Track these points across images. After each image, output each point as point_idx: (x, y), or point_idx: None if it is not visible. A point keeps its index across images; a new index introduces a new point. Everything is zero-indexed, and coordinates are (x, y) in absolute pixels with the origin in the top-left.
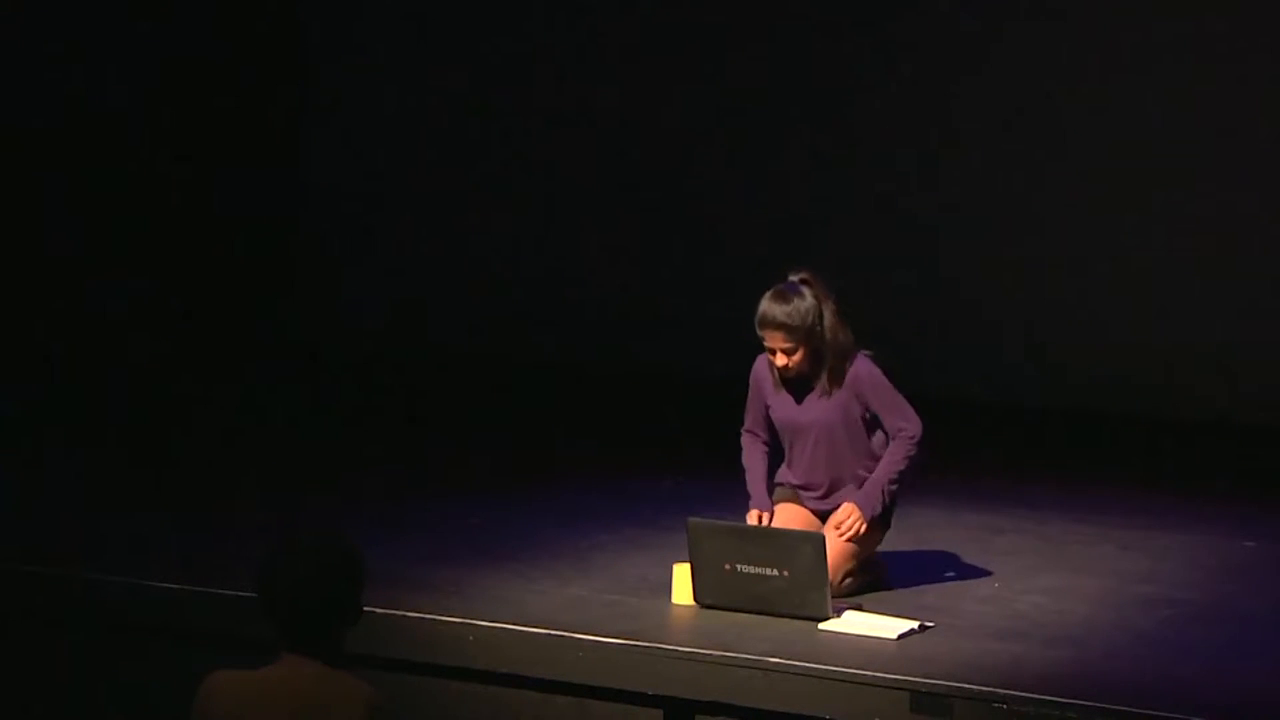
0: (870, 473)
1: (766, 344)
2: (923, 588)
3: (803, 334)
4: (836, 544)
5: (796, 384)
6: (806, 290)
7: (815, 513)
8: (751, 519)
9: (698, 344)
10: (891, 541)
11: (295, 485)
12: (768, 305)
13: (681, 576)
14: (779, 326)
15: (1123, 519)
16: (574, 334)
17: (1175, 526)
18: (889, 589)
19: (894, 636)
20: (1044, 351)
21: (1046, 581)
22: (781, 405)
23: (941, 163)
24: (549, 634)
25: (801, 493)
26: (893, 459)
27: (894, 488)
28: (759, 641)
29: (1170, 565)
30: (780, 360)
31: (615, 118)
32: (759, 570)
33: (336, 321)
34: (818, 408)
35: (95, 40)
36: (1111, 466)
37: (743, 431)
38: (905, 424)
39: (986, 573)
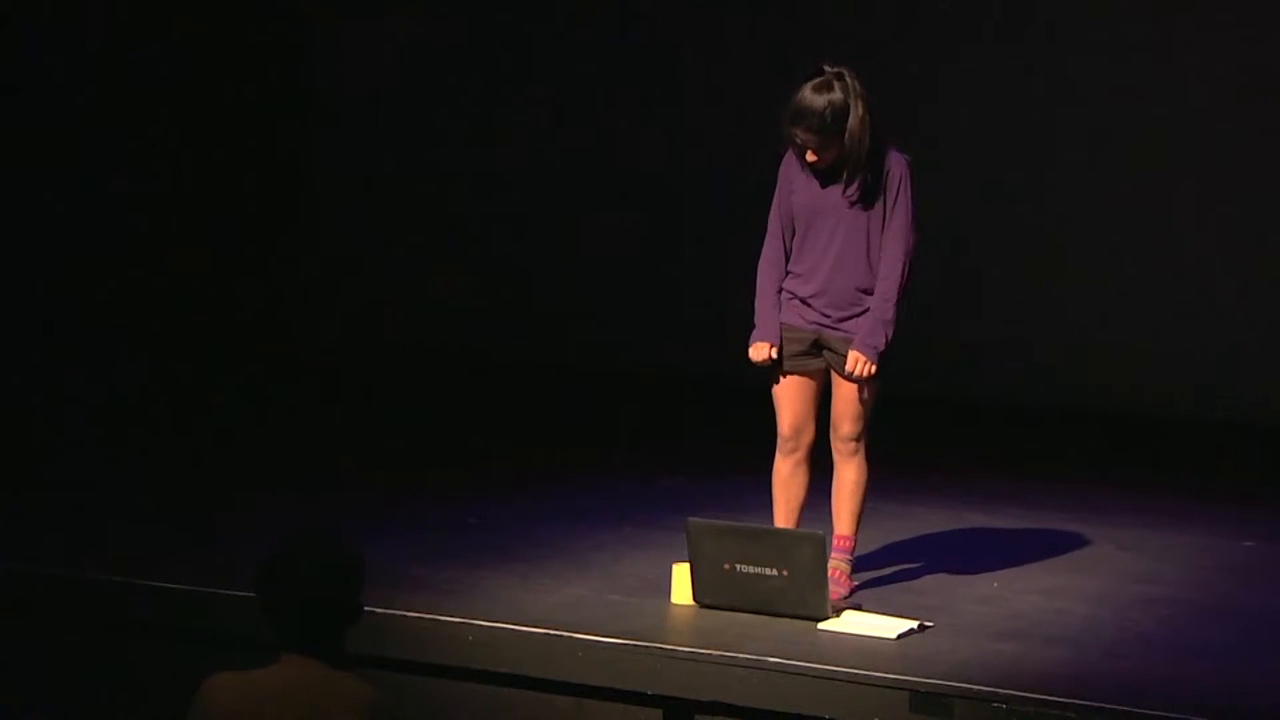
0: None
1: (796, 139)
2: (923, 588)
3: (834, 133)
4: (845, 400)
5: (827, 173)
6: (839, 85)
7: (817, 340)
8: (759, 352)
9: (699, 344)
10: (892, 541)
11: (295, 485)
12: (798, 101)
13: (681, 576)
14: (808, 126)
15: (1123, 519)
16: (574, 334)
17: (1175, 526)
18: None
19: (894, 636)
20: (1043, 352)
21: (1046, 581)
22: (808, 188)
23: (940, 161)
24: (549, 634)
25: (809, 302)
26: (885, 287)
27: (891, 319)
28: (759, 641)
29: (1170, 565)
30: (810, 157)
31: (614, 117)
32: (759, 570)
33: (336, 321)
34: (843, 195)
35: (96, 35)
36: (1111, 466)
37: (761, 257)
38: (899, 237)
39: (986, 573)
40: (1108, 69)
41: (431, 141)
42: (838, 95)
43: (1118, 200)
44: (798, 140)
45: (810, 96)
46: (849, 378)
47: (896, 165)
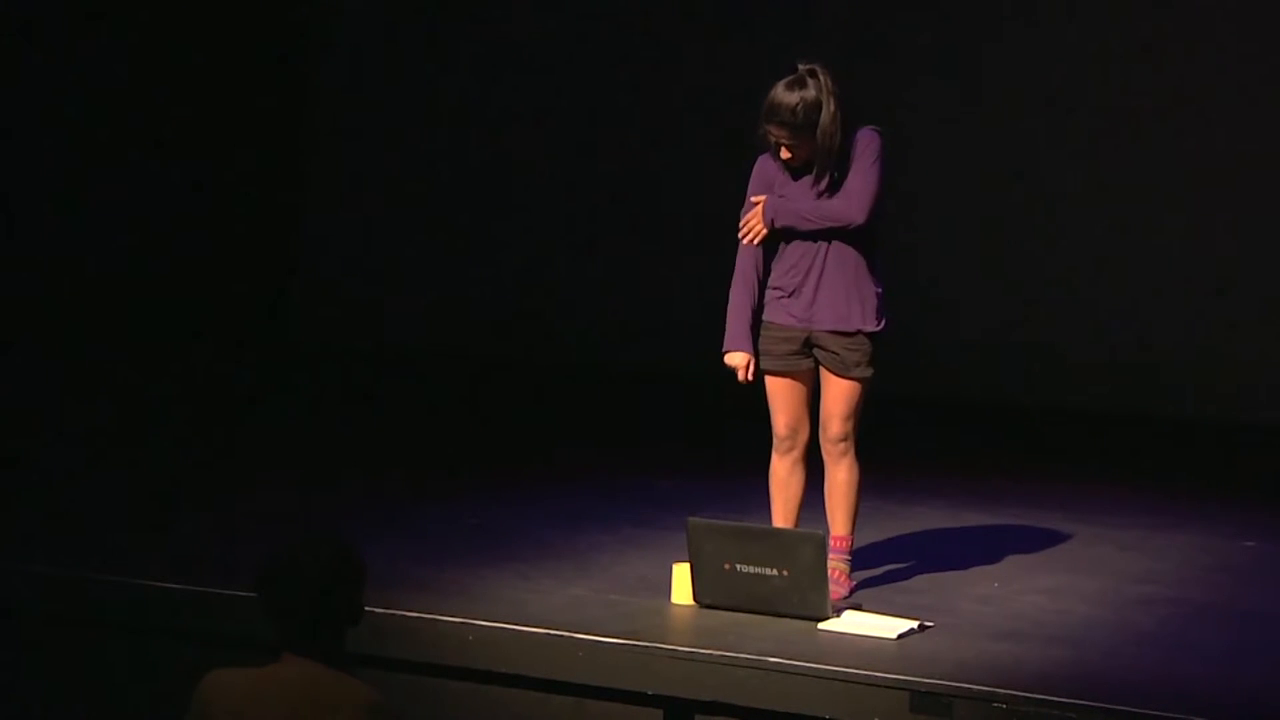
0: (869, 287)
1: (770, 136)
2: (923, 588)
3: (806, 129)
4: (833, 399)
5: (803, 170)
6: (812, 82)
7: (807, 339)
8: (737, 363)
9: (697, 344)
10: (891, 541)
11: (295, 485)
12: (772, 99)
13: (681, 576)
14: (781, 123)
15: (1122, 519)
16: (573, 334)
17: (1175, 526)
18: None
19: (894, 636)
20: (1043, 351)
21: (1046, 581)
22: (786, 188)
23: (940, 160)
24: (549, 634)
25: (796, 299)
26: (823, 206)
27: (800, 214)
28: (759, 641)
29: (1170, 565)
30: (784, 155)
31: (613, 118)
32: (759, 570)
33: (337, 321)
34: (813, 191)
35: (95, 35)
36: (1111, 466)
37: (735, 268)
38: (856, 181)
39: (986, 573)
40: (1112, 68)
41: (430, 141)
42: (810, 92)
43: (1119, 201)
44: (772, 138)
45: (783, 94)
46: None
47: (862, 136)
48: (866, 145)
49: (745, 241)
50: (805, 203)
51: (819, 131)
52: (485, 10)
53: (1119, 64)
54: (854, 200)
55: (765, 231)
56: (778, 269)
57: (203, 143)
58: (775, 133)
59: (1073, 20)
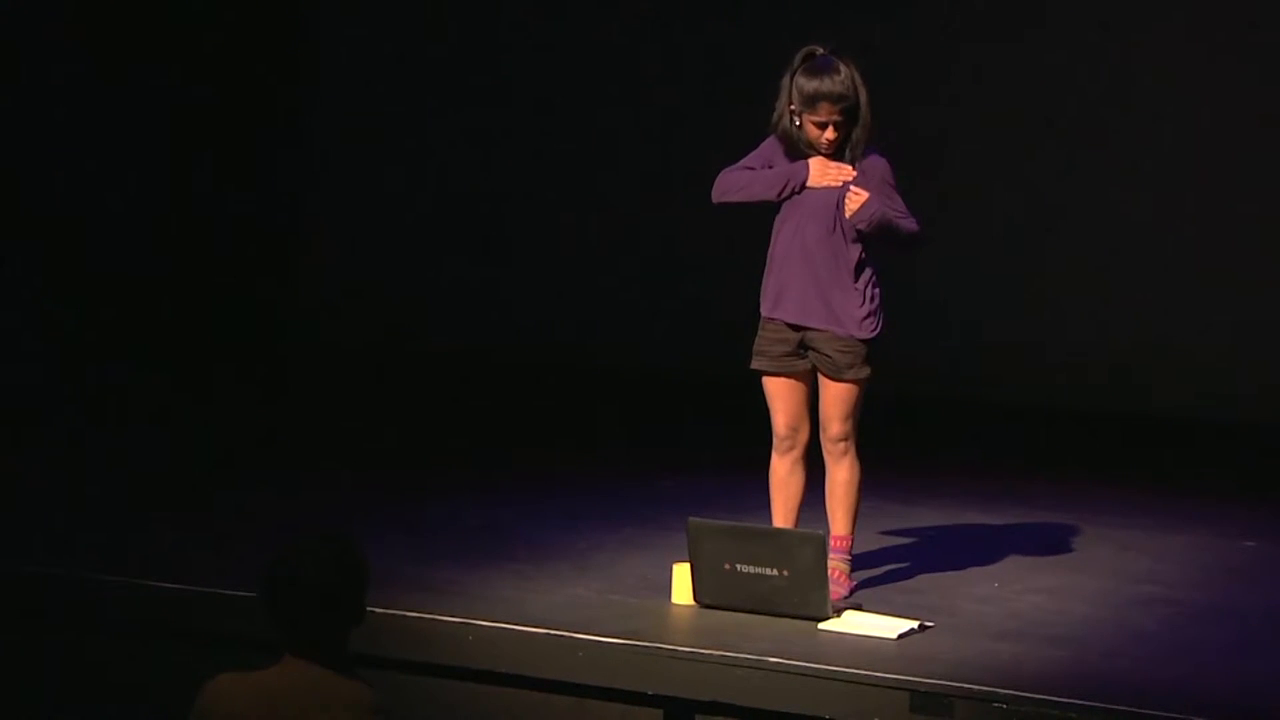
0: (864, 293)
1: (817, 119)
2: (923, 588)
3: (854, 102)
4: (832, 400)
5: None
6: (840, 62)
7: (802, 341)
8: (822, 169)
9: (697, 343)
10: (891, 541)
11: (295, 485)
12: (818, 82)
13: (681, 576)
14: (837, 99)
15: (1123, 519)
16: (573, 334)
17: (1175, 526)
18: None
19: (894, 636)
20: (1044, 352)
21: (1046, 581)
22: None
23: (938, 159)
24: (549, 634)
25: (790, 299)
26: (907, 224)
27: (895, 221)
28: (759, 641)
29: (1170, 565)
30: (830, 134)
31: (614, 115)
32: (759, 570)
33: (336, 320)
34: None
35: (93, 37)
36: (1111, 466)
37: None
38: (916, 222)
39: (986, 573)
40: (1108, 69)
41: (429, 140)
42: (844, 66)
43: (1118, 200)
44: (821, 119)
45: (823, 77)
46: (854, 207)
47: (878, 162)
48: (886, 170)
49: (826, 179)
50: (905, 220)
51: (861, 104)
52: (486, 8)
53: (1127, 64)
54: (919, 224)
55: (857, 206)
56: (772, 267)
57: (202, 143)
58: (828, 111)
59: (1074, 23)
